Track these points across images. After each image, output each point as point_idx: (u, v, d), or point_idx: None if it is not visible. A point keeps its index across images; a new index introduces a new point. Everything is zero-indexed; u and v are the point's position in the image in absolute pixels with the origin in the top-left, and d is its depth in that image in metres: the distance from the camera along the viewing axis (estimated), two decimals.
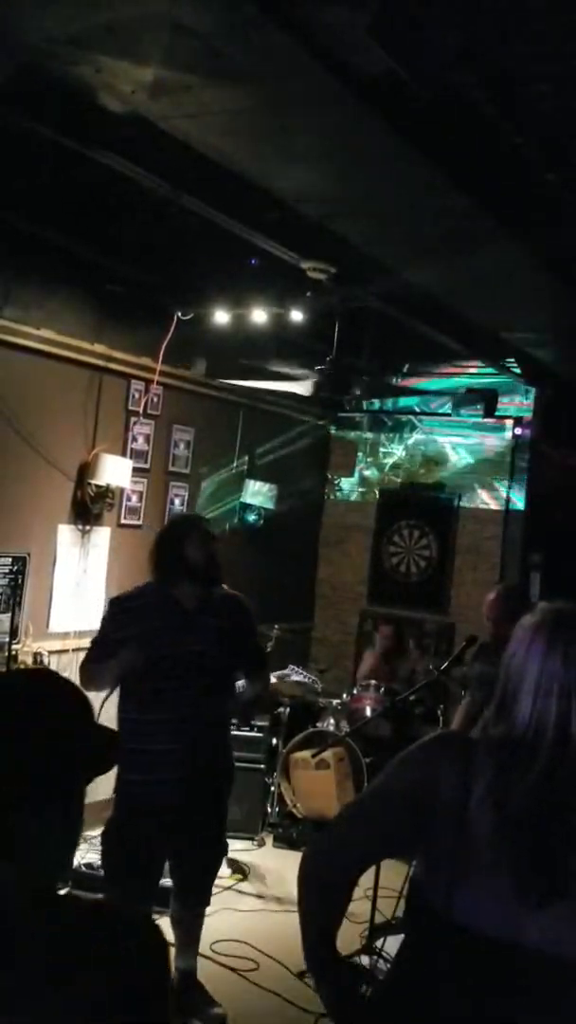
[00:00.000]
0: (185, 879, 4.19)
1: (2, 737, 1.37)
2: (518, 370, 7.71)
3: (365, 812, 1.94)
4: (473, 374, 8.26)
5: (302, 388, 7.24)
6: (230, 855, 6.02)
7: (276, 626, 7.04)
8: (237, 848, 6.26)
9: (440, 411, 8.63)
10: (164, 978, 1.41)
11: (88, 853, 5.65)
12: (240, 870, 6.01)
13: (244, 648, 4.12)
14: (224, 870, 5.79)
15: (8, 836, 1.35)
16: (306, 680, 6.53)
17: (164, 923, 4.45)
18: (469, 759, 1.77)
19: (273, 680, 6.26)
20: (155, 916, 4.32)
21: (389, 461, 9.03)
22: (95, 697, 4.81)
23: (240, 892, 5.77)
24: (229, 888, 5.77)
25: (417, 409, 8.83)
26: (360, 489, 9.16)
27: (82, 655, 6.15)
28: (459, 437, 8.65)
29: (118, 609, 4.09)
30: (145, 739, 3.89)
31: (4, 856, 1.35)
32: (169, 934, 4.36)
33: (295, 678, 6.36)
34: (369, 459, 9.13)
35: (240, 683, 4.29)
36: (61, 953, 1.31)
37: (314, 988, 2.04)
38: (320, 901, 1.95)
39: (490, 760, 1.75)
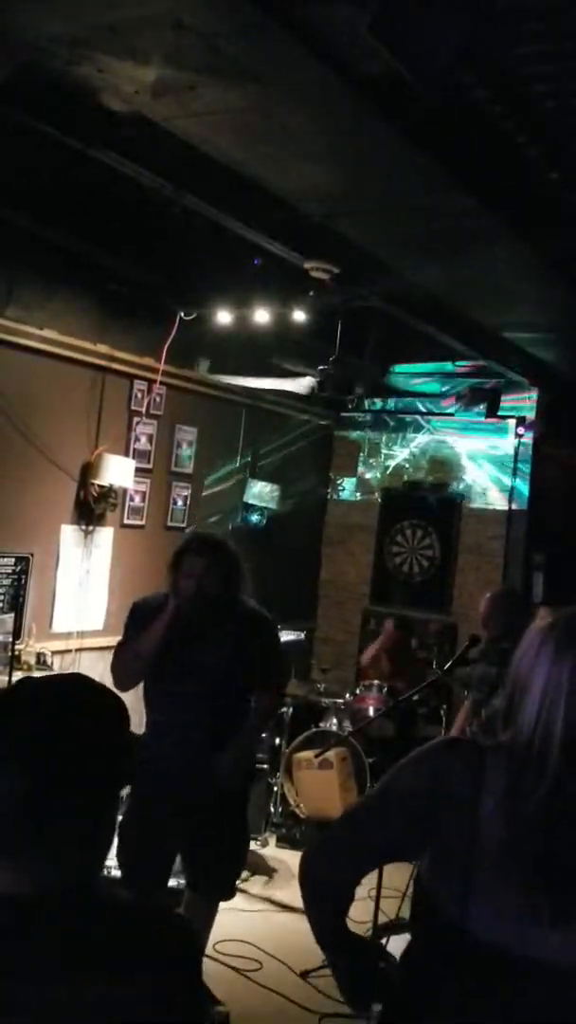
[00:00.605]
0: (198, 869, 4.19)
1: (46, 741, 1.37)
2: (521, 370, 7.71)
3: (368, 816, 1.91)
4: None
5: (304, 388, 7.24)
6: None
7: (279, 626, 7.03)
8: None
9: (443, 411, 8.63)
10: (198, 978, 1.42)
11: None
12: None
13: (259, 667, 4.11)
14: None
15: (50, 838, 1.36)
16: (296, 636, 6.59)
17: None
18: (481, 766, 1.74)
19: None
20: None
21: (392, 461, 9.03)
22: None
23: (243, 892, 5.77)
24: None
25: (422, 408, 8.83)
26: (363, 489, 9.16)
27: (85, 655, 6.22)
28: (462, 437, 8.65)
29: (139, 610, 4.14)
30: (159, 738, 3.99)
31: (45, 859, 1.35)
32: None
33: (285, 637, 6.45)
34: (372, 459, 9.13)
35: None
36: (99, 954, 1.32)
37: (326, 993, 2.04)
38: (321, 902, 1.94)
39: (501, 768, 1.72)
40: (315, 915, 1.94)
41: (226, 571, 4.02)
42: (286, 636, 6.43)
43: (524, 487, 8.36)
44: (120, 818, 4.13)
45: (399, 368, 8.53)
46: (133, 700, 4.07)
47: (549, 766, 1.67)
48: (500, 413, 8.05)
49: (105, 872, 5.04)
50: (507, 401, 8.11)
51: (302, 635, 6.85)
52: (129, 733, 1.51)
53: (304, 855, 1.94)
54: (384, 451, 9.08)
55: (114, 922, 1.37)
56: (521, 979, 1.67)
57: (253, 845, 6.42)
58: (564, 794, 1.66)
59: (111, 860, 5.36)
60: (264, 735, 6.16)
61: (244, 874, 5.97)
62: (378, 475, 9.10)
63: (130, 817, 4.11)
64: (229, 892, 4.31)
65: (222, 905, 4.68)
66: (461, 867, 1.70)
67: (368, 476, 9.15)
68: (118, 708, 1.47)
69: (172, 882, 4.33)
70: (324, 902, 1.94)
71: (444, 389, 8.63)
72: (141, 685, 4.09)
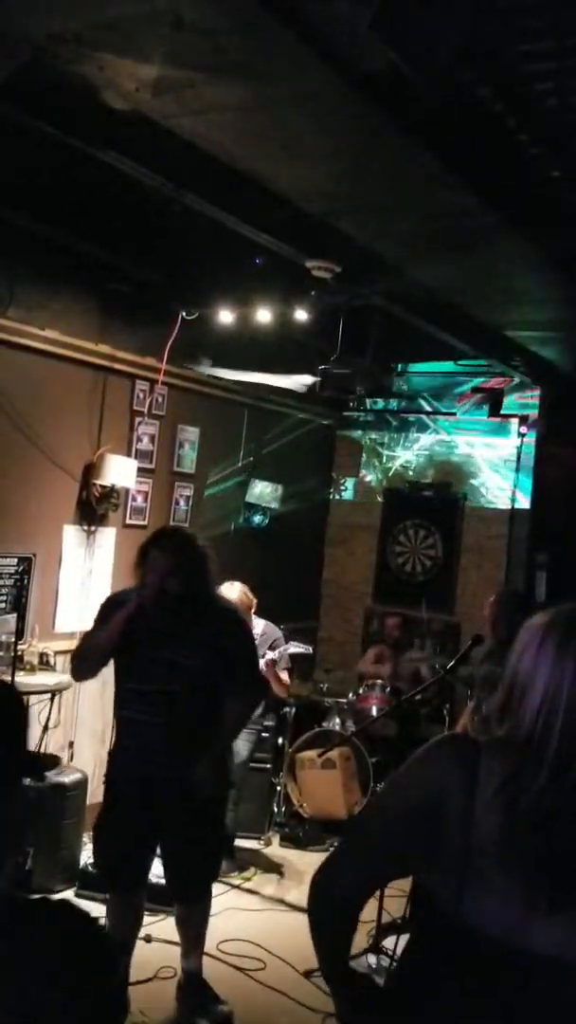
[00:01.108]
0: (170, 873, 4.21)
1: None
2: (524, 369, 7.70)
3: (372, 827, 1.91)
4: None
5: (306, 388, 7.23)
6: (237, 855, 6.05)
7: (282, 625, 7.03)
8: (244, 847, 6.27)
9: (445, 410, 8.63)
10: (111, 977, 1.39)
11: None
12: (246, 869, 6.02)
13: (229, 671, 4.09)
14: (231, 869, 5.81)
15: None
16: (303, 650, 6.64)
17: (169, 923, 4.46)
18: (476, 761, 1.75)
19: (273, 656, 6.26)
20: (161, 916, 4.37)
21: (394, 461, 9.03)
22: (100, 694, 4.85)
23: (246, 892, 5.77)
24: (236, 887, 5.77)
25: (424, 408, 8.82)
26: (365, 488, 9.16)
27: None
28: (464, 436, 8.65)
29: (109, 603, 4.19)
30: (129, 737, 4.06)
31: None
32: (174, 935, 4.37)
33: (292, 650, 6.45)
34: (374, 459, 9.12)
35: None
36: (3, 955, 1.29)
37: (328, 993, 2.03)
38: (330, 921, 1.91)
39: (497, 762, 1.73)
40: (323, 941, 1.92)
41: (190, 568, 4.00)
42: (294, 648, 6.44)
43: (527, 486, 8.35)
44: (94, 822, 4.24)
45: (400, 367, 8.52)
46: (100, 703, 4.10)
47: (547, 758, 1.68)
48: (502, 412, 8.04)
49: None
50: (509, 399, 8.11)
51: (310, 649, 6.88)
52: (22, 730, 1.49)
53: (315, 875, 1.91)
54: (386, 451, 9.08)
55: (17, 922, 1.34)
56: (519, 972, 1.67)
57: (256, 844, 6.43)
58: (561, 786, 1.67)
59: (89, 858, 5.44)
60: (251, 737, 6.16)
61: (248, 873, 5.98)
62: (380, 475, 9.10)
63: (103, 814, 4.18)
64: (202, 896, 4.26)
65: (225, 905, 4.70)
66: (457, 861, 1.70)
67: (370, 476, 9.15)
68: (9, 716, 1.46)
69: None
70: (332, 924, 1.91)
71: (446, 388, 8.62)
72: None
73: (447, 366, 8.19)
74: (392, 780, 1.88)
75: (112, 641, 3.99)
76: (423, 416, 8.84)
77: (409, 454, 8.96)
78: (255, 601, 6.15)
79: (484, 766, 1.73)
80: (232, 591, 5.79)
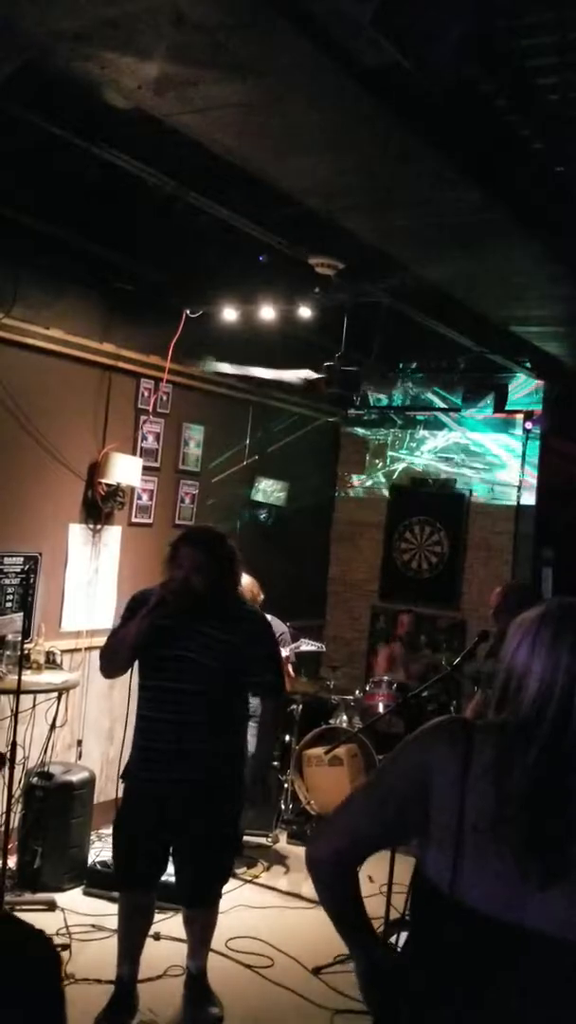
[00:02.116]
0: (181, 877, 4.20)
1: None
2: (528, 364, 7.69)
3: (364, 799, 1.97)
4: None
5: (305, 381, 7.23)
6: (245, 852, 6.05)
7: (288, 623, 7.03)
8: (252, 845, 6.28)
9: (451, 406, 8.62)
10: (52, 991, 1.38)
11: (102, 851, 5.66)
12: (255, 867, 6.02)
13: (251, 668, 4.12)
14: (238, 866, 5.81)
15: None
16: (315, 648, 6.70)
17: (178, 921, 4.46)
18: (469, 739, 1.81)
19: (286, 653, 6.34)
20: (170, 914, 4.38)
21: (399, 458, 9.02)
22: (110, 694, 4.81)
23: (254, 889, 5.77)
24: (247, 883, 5.78)
25: (428, 404, 8.81)
26: (371, 485, 9.15)
27: (95, 654, 6.21)
28: (469, 432, 8.64)
29: (135, 600, 4.20)
30: (147, 736, 4.06)
31: None
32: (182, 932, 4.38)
33: (304, 648, 6.49)
34: (379, 456, 9.12)
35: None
36: None
37: (337, 990, 2.05)
38: (328, 885, 1.98)
39: (489, 740, 1.80)
40: (324, 899, 1.99)
41: (217, 566, 4.01)
42: (306, 646, 6.47)
43: (532, 482, 8.34)
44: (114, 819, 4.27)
45: (404, 364, 8.52)
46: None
47: (540, 736, 1.74)
48: (507, 408, 8.04)
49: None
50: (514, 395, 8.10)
51: (322, 647, 6.93)
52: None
53: (308, 840, 2.00)
54: (391, 448, 9.07)
55: None
56: (514, 949, 1.71)
57: (264, 841, 6.43)
58: (553, 763, 1.73)
59: (97, 856, 5.46)
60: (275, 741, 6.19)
61: (256, 870, 5.98)
62: (386, 472, 9.09)
63: (119, 812, 4.22)
64: (210, 902, 4.25)
65: (233, 903, 4.69)
66: (451, 838, 1.76)
67: (376, 473, 9.14)
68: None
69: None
70: (327, 883, 1.98)
71: (452, 384, 8.60)
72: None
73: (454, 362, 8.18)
74: (389, 757, 1.95)
75: (136, 639, 3.99)
76: (427, 412, 8.82)
77: (414, 450, 8.95)
78: (262, 597, 6.16)
79: (477, 746, 1.80)
80: (244, 580, 5.83)
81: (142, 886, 4.15)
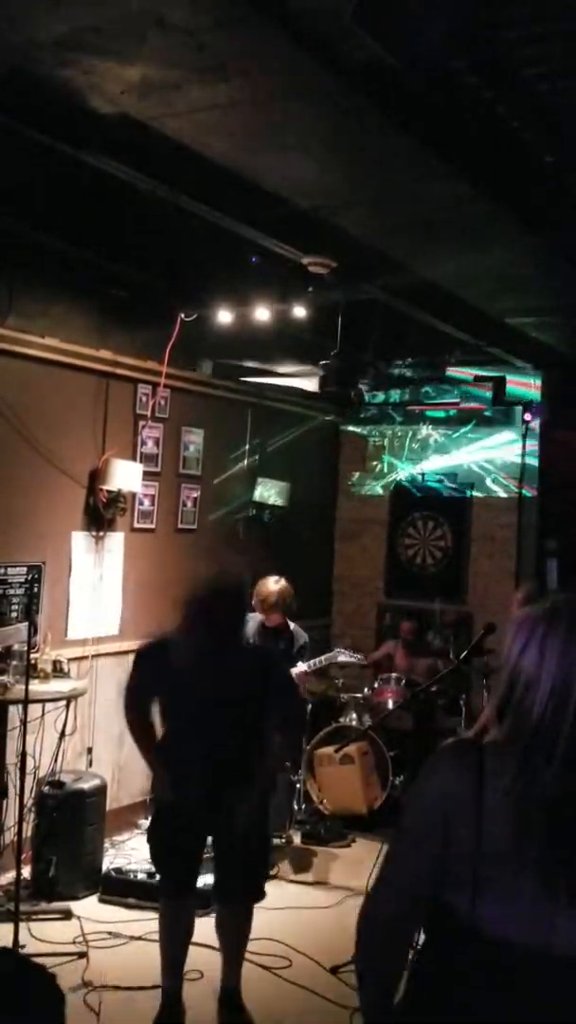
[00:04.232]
0: (224, 871, 4.25)
1: None
2: (526, 355, 7.67)
3: (402, 853, 1.87)
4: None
5: (309, 384, 7.22)
6: None
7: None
8: None
9: (449, 400, 8.60)
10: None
11: (116, 858, 5.66)
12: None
13: (268, 705, 4.16)
14: None
15: None
16: (354, 659, 6.80)
17: (208, 923, 4.42)
18: (479, 764, 1.73)
19: (322, 661, 6.46)
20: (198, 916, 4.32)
21: (400, 453, 9.01)
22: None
23: (270, 889, 5.75)
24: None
25: (427, 400, 8.79)
26: (372, 482, 9.14)
27: (101, 661, 6.21)
28: (469, 425, 8.62)
29: (144, 657, 4.26)
30: (171, 760, 4.12)
31: None
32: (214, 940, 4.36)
33: (342, 658, 6.58)
34: (380, 452, 9.10)
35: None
36: None
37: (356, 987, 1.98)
38: (380, 953, 1.86)
39: (502, 762, 1.70)
40: (368, 980, 1.87)
41: (235, 618, 4.14)
42: (343, 657, 6.66)
43: (533, 473, 8.33)
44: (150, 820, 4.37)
45: (400, 360, 8.49)
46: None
47: (558, 750, 1.65)
48: (507, 399, 8.02)
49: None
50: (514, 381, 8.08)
51: (362, 658, 7.13)
52: None
53: (360, 919, 1.86)
54: (392, 444, 9.05)
55: None
56: (541, 974, 1.65)
57: (277, 842, 6.41)
58: (573, 777, 1.64)
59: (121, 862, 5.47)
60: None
61: (271, 870, 5.96)
62: (387, 468, 9.08)
63: (153, 819, 4.28)
64: (259, 893, 4.35)
65: None
66: (469, 867, 1.68)
67: (377, 470, 9.13)
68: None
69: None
70: (382, 956, 1.86)
71: (449, 378, 8.58)
72: None
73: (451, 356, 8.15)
74: (408, 799, 1.88)
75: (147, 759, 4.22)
76: (426, 407, 8.81)
77: (414, 446, 8.94)
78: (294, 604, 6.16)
79: (489, 768, 1.71)
80: (276, 585, 5.97)
81: (179, 892, 4.20)
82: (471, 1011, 1.70)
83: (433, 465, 8.86)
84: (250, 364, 7.18)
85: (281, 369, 7.22)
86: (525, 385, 8.24)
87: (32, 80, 3.44)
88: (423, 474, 8.88)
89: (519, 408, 8.25)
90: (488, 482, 8.57)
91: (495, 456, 8.53)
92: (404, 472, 9.00)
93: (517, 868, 1.64)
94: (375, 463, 9.13)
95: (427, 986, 1.82)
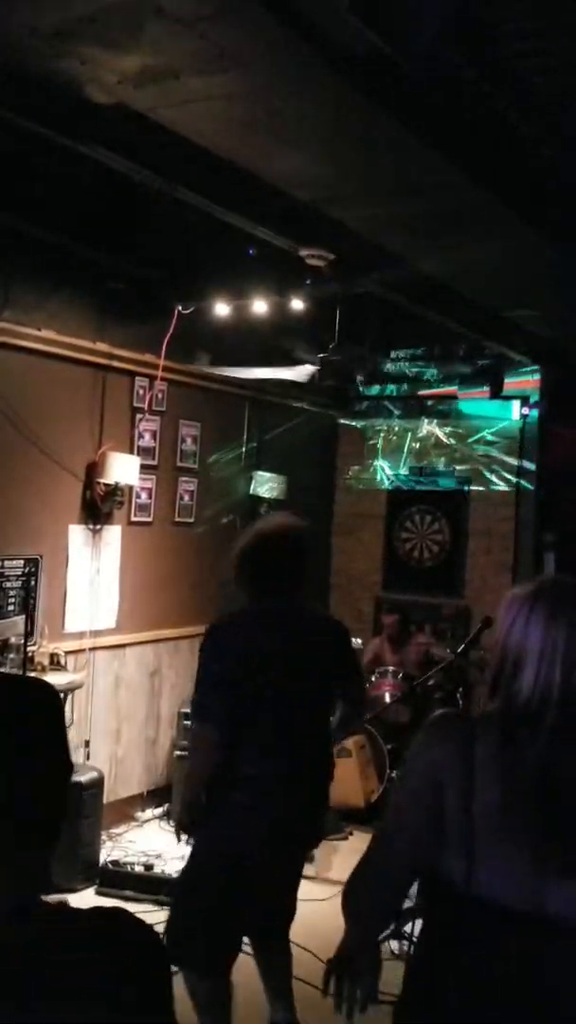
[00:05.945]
0: (259, 920, 3.87)
1: None
2: (524, 349, 7.67)
3: (394, 826, 1.92)
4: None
5: (307, 377, 7.21)
6: None
7: None
8: None
9: (447, 394, 8.59)
10: (162, 984, 1.27)
11: (113, 851, 5.67)
12: None
13: (343, 673, 3.72)
14: None
15: None
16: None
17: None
18: (471, 735, 1.78)
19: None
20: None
21: (398, 446, 9.00)
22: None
23: None
24: None
25: (425, 393, 8.78)
26: (369, 476, 9.13)
27: (99, 654, 6.21)
28: (467, 419, 8.62)
29: (217, 638, 3.56)
30: (260, 792, 3.51)
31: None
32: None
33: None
34: (377, 446, 9.09)
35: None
36: (46, 969, 1.17)
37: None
38: (364, 917, 1.96)
39: (492, 731, 1.76)
40: (357, 912, 1.98)
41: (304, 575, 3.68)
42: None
43: (531, 467, 8.33)
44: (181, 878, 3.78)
45: (397, 352, 8.49)
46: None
47: (545, 722, 1.71)
48: (504, 393, 8.01)
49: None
50: (511, 382, 8.08)
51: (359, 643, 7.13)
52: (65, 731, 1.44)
53: (346, 884, 1.94)
54: (389, 438, 9.04)
55: (56, 936, 1.21)
56: (536, 937, 1.69)
57: None
58: (561, 748, 1.70)
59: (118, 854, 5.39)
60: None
61: None
62: (384, 462, 9.07)
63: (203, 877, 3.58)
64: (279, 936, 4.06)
65: None
66: (464, 835, 1.72)
67: (374, 463, 9.12)
68: (60, 718, 1.41)
69: None
70: (366, 918, 1.98)
71: (447, 372, 8.58)
72: None
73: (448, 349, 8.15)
74: (400, 774, 1.93)
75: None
76: (424, 401, 8.80)
77: (412, 440, 8.93)
78: None
79: (480, 739, 1.76)
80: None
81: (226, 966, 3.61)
82: (470, 975, 1.74)
83: (430, 459, 8.85)
84: (247, 357, 7.17)
85: (278, 362, 7.21)
86: (523, 385, 8.24)
87: (28, 70, 3.42)
88: (420, 468, 8.88)
89: (517, 402, 8.25)
90: (486, 476, 8.56)
91: (493, 450, 8.53)
92: (401, 465, 8.99)
93: (508, 836, 1.69)
94: (373, 456, 9.12)
95: (431, 954, 1.86)
